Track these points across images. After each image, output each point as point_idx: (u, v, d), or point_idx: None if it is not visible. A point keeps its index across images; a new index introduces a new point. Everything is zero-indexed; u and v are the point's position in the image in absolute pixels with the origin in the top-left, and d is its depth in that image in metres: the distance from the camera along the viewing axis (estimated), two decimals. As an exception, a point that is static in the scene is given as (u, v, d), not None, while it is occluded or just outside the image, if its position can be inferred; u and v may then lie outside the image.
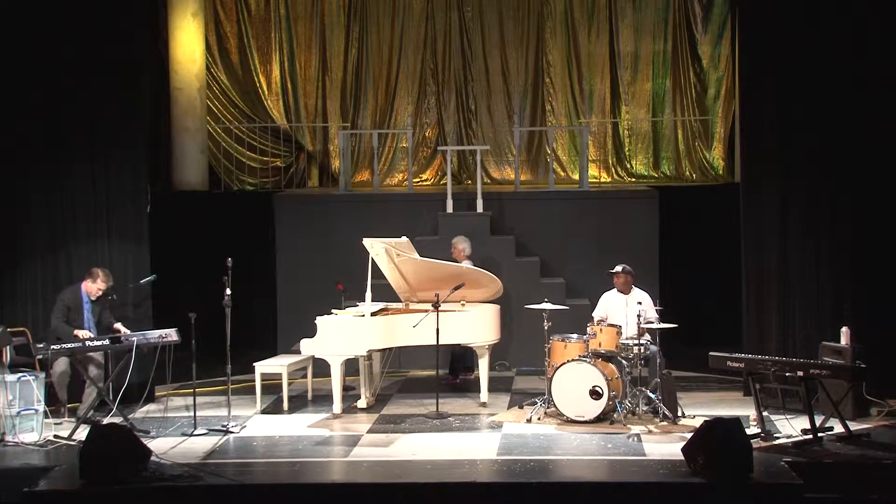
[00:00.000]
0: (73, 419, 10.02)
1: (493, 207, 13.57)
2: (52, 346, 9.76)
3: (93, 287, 10.30)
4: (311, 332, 10.45)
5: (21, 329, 10.45)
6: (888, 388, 10.34)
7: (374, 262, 10.73)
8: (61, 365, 10.09)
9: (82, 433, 9.32)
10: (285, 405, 10.84)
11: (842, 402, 9.67)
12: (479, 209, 13.45)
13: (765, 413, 9.67)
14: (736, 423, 8.47)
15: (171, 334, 10.17)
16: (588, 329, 10.34)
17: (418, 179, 15.97)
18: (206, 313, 10.27)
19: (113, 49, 11.08)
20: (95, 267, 10.47)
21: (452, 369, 12.15)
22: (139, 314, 11.19)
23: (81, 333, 10.01)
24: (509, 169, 15.76)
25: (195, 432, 9.85)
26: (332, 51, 16.33)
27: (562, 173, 15.91)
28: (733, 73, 14.93)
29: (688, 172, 15.98)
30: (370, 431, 9.99)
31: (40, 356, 9.92)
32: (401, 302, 11.40)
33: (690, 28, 16.00)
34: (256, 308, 13.59)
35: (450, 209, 13.44)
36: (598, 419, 9.92)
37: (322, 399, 11.07)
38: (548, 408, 10.26)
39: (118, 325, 10.39)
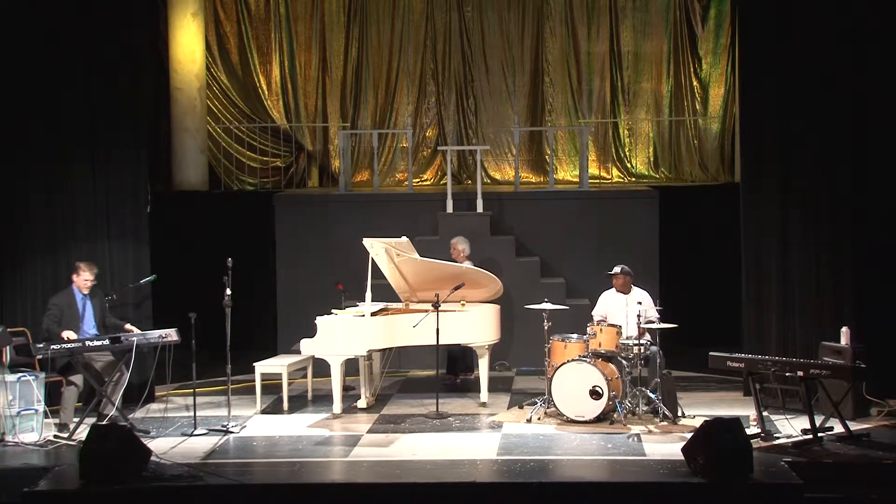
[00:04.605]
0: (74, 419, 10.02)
1: (493, 207, 13.57)
2: (52, 346, 9.74)
3: (80, 280, 10.25)
4: (311, 332, 10.45)
5: (21, 329, 10.45)
6: (888, 388, 10.34)
7: (374, 262, 10.73)
8: (71, 392, 10.05)
9: (82, 433, 9.33)
10: (285, 405, 10.84)
11: (842, 402, 9.67)
12: (479, 209, 13.44)
13: (765, 413, 9.68)
14: (736, 423, 8.47)
15: (171, 334, 10.17)
16: (588, 329, 10.34)
17: (418, 179, 15.97)
18: (206, 313, 10.27)
19: (113, 49, 11.09)
20: (79, 261, 10.41)
21: (450, 369, 12.14)
22: (139, 314, 11.18)
23: (66, 334, 9.93)
24: (509, 169, 15.77)
25: (195, 432, 9.85)
26: (332, 51, 16.33)
27: (562, 173, 15.92)
28: (733, 72, 14.93)
29: (688, 172, 15.98)
30: (370, 431, 9.99)
31: (40, 356, 9.91)
32: (401, 302, 11.40)
33: (691, 27, 16.00)
34: (256, 308, 13.59)
35: (450, 209, 13.44)
36: (598, 419, 9.92)
37: (322, 399, 11.07)
38: (548, 408, 10.27)
39: (129, 325, 10.34)
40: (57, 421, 9.91)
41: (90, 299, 10.31)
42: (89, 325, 10.28)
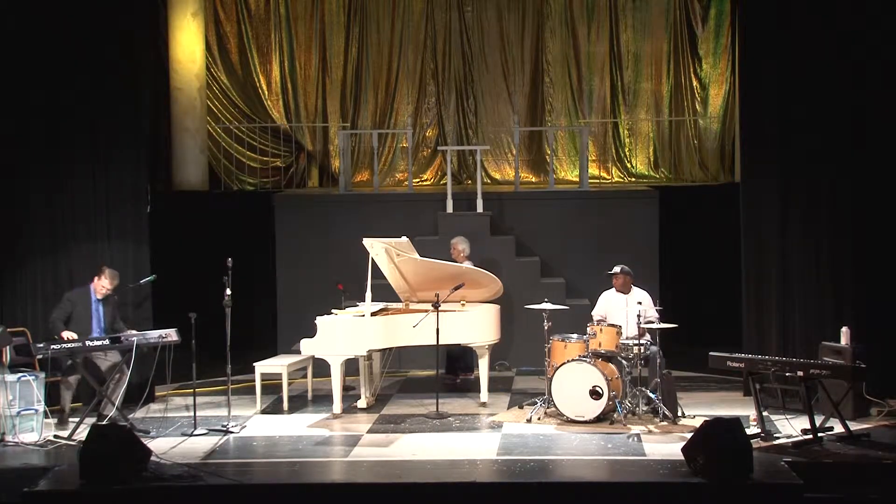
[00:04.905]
0: (73, 419, 10.02)
1: (493, 207, 13.57)
2: (52, 346, 9.75)
3: (98, 284, 10.29)
4: (311, 332, 10.45)
5: (21, 329, 10.44)
6: (888, 388, 10.34)
7: (374, 262, 10.73)
8: (69, 387, 10.08)
9: (82, 433, 9.33)
10: (285, 405, 10.84)
11: (842, 402, 9.67)
12: (479, 209, 13.44)
13: (765, 413, 9.68)
14: (736, 423, 8.47)
15: (171, 334, 10.17)
16: (588, 329, 10.34)
17: (418, 179, 15.97)
18: (206, 313, 10.27)
19: (113, 49, 11.09)
20: (106, 266, 10.46)
21: (450, 369, 12.14)
22: (139, 314, 11.18)
23: (66, 335, 9.95)
24: (509, 169, 15.77)
25: (195, 432, 9.85)
26: (332, 51, 16.33)
27: (562, 173, 15.92)
28: (733, 72, 14.94)
29: (688, 172, 15.98)
30: (370, 431, 9.99)
31: (40, 356, 9.92)
32: (401, 302, 11.40)
33: (691, 27, 16.01)
34: (256, 308, 13.58)
35: (450, 209, 13.44)
36: (598, 419, 9.92)
37: (322, 399, 11.07)
38: (548, 408, 10.26)
39: (126, 332, 10.34)
40: (56, 420, 9.92)
41: (103, 304, 10.32)
42: (97, 329, 10.28)
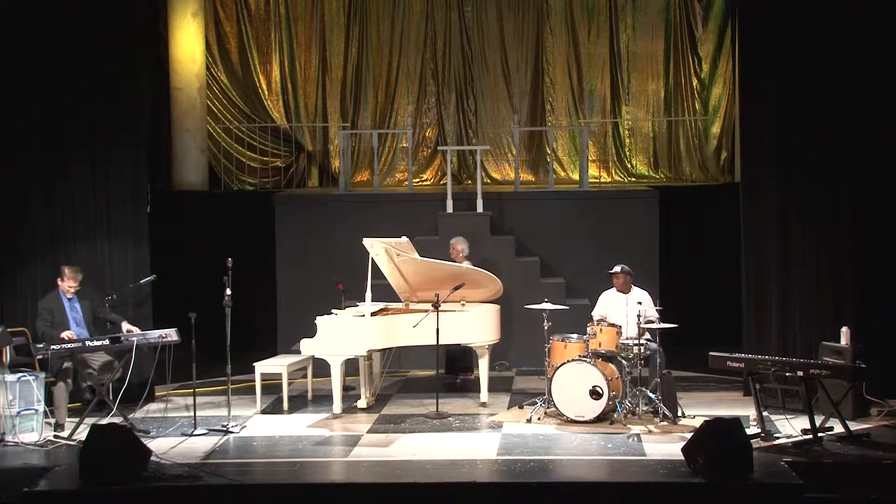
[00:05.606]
0: (73, 419, 10.02)
1: (493, 207, 13.57)
2: (52, 346, 9.75)
3: (64, 285, 10.29)
4: (311, 332, 10.45)
5: (21, 329, 10.43)
6: (888, 388, 10.34)
7: (374, 262, 10.73)
8: (61, 390, 10.07)
9: (82, 433, 9.32)
10: (285, 405, 10.85)
11: (842, 402, 9.67)
12: (479, 209, 13.44)
13: (765, 413, 9.68)
14: (736, 423, 8.47)
15: (171, 334, 10.17)
16: (588, 329, 10.34)
17: (418, 179, 15.97)
18: (206, 313, 10.26)
19: (113, 49, 11.08)
20: (64, 265, 10.43)
21: (450, 369, 12.14)
22: (139, 314, 11.18)
23: (66, 335, 9.97)
24: (509, 169, 15.77)
25: (195, 432, 9.85)
26: (332, 51, 16.34)
27: (562, 173, 15.92)
28: (733, 72, 14.93)
29: (688, 172, 15.98)
30: (370, 431, 9.99)
31: (40, 356, 9.91)
32: (401, 302, 11.40)
33: (691, 27, 16.01)
34: (256, 308, 13.57)
35: (450, 209, 13.44)
36: (598, 419, 9.92)
37: (322, 399, 11.08)
38: (548, 408, 10.26)
39: (125, 325, 10.34)
40: (53, 421, 9.92)
41: (77, 301, 10.32)
42: (76, 328, 10.26)
